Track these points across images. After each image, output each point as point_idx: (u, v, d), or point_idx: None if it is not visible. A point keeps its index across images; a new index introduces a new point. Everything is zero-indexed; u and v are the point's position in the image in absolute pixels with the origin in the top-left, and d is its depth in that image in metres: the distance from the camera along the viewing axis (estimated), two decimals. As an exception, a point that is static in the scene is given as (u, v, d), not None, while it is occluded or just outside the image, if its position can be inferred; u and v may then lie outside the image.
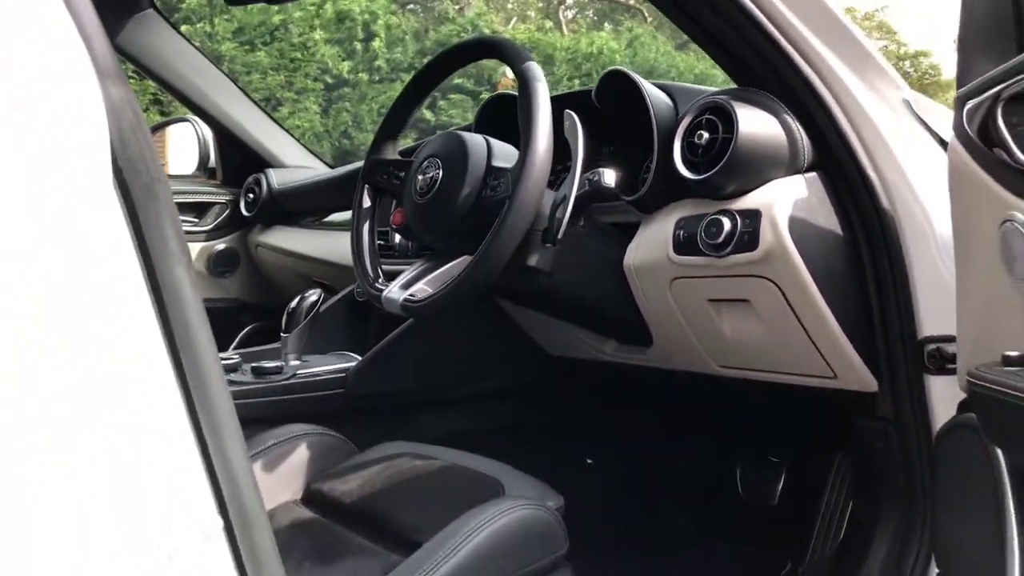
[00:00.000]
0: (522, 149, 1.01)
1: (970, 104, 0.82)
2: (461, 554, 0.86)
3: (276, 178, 2.02)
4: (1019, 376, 0.71)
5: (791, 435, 1.47)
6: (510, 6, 18.46)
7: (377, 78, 12.43)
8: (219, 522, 0.52)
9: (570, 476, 1.45)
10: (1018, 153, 0.74)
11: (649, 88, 1.16)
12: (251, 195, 2.07)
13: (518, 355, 1.54)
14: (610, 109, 1.25)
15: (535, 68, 1.05)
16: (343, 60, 12.18)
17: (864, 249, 1.10)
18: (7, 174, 0.43)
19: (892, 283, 1.08)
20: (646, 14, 15.79)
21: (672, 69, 12.08)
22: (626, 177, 1.24)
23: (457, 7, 15.77)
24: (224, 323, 2.09)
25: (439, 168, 1.11)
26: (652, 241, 1.18)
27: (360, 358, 1.48)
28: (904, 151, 1.07)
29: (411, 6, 15.23)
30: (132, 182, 0.50)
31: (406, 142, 1.47)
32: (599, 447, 1.59)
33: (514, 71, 1.06)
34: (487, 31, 13.94)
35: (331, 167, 2.16)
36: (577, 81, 12.97)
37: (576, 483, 1.44)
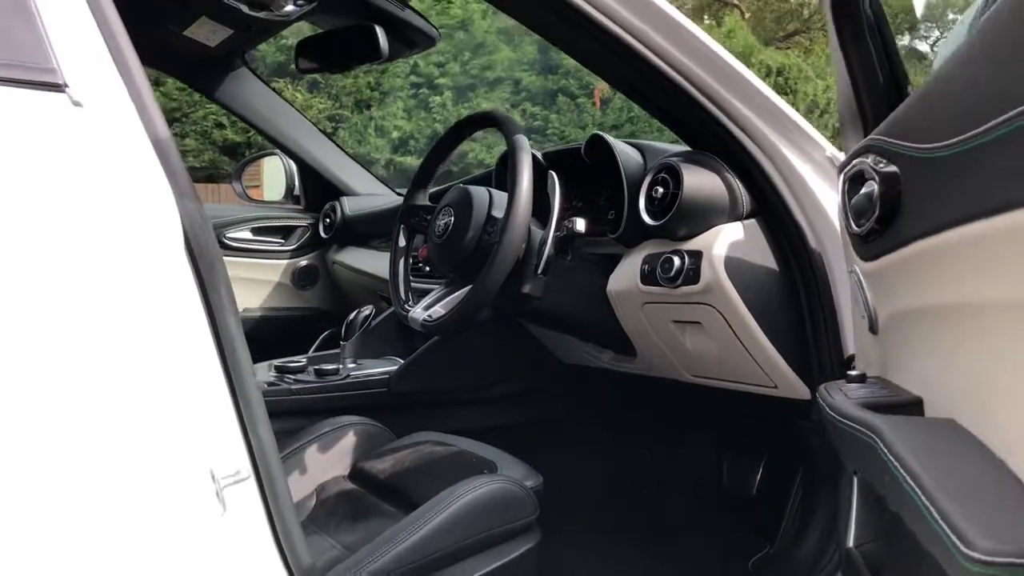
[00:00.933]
0: (507, 207, 1.29)
1: (841, 177, 1.05)
2: (445, 513, 1.15)
3: (348, 205, 2.36)
4: (838, 391, 0.94)
5: (766, 434, 1.70)
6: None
7: (471, 84, 12.87)
8: (251, 472, 0.83)
9: (574, 466, 1.72)
10: (852, 222, 0.97)
11: (622, 150, 1.42)
12: (328, 219, 2.41)
13: (535, 362, 1.81)
14: (598, 162, 1.51)
15: (523, 140, 1.32)
16: (438, 67, 12.66)
17: (799, 281, 1.32)
18: (131, 258, 0.74)
19: (822, 310, 1.31)
20: (743, 10, 15.73)
21: (759, 64, 12.17)
22: (616, 217, 1.51)
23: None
24: (306, 328, 2.44)
25: (451, 215, 1.40)
26: (626, 272, 1.44)
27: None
28: (827, 199, 1.30)
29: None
30: (200, 260, 0.82)
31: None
32: (602, 443, 1.84)
33: (507, 141, 1.34)
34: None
35: (399, 195, 2.47)
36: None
37: (579, 472, 1.71)
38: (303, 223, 2.46)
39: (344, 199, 2.38)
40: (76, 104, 0.70)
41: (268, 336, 2.40)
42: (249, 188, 2.70)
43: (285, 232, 2.46)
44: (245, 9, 1.65)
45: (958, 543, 0.46)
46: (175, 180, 0.81)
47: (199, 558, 0.77)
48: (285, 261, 2.44)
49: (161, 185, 0.78)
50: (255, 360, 1.91)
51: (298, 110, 2.37)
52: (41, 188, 0.66)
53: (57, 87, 0.69)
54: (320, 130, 2.41)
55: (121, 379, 0.72)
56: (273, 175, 2.61)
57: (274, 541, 0.85)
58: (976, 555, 0.45)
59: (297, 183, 2.49)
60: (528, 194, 1.28)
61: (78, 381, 0.68)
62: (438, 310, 1.40)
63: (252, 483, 0.84)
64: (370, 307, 1.77)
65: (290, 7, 1.63)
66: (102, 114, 0.73)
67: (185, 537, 0.75)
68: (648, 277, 1.37)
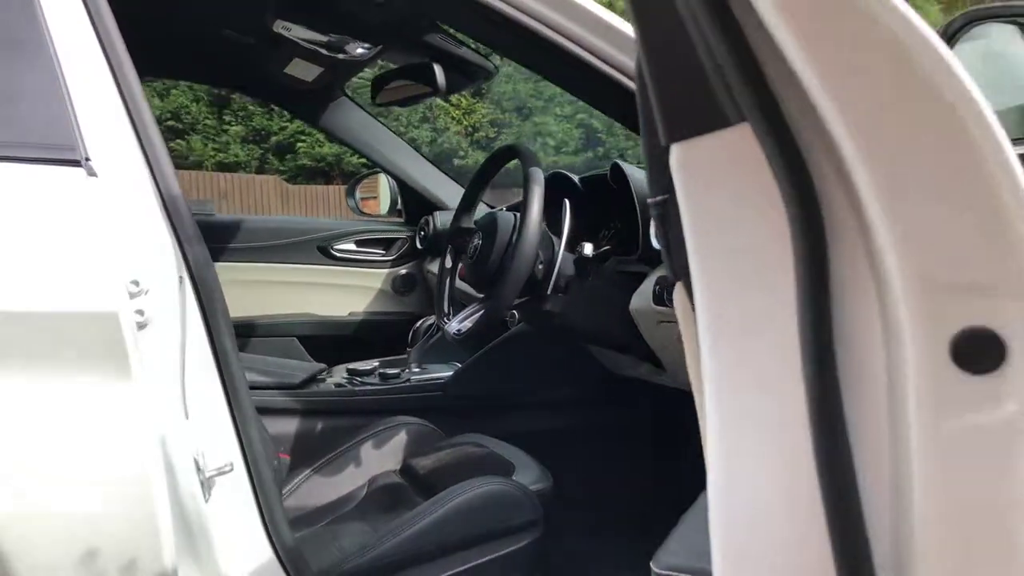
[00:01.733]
0: (518, 233, 1.42)
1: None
2: (448, 507, 1.30)
3: (440, 219, 2.54)
4: None
5: None
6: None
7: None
8: (241, 460, 1.02)
9: (613, 470, 1.81)
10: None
11: (635, 176, 1.51)
12: (423, 232, 2.62)
13: (583, 371, 1.91)
14: (622, 187, 1.61)
15: (537, 172, 1.45)
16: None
17: None
18: (128, 293, 0.94)
19: None
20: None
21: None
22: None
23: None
24: (404, 332, 2.65)
25: (481, 239, 1.55)
26: (644, 292, 1.52)
27: (461, 368, 1.95)
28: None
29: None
30: (202, 292, 1.01)
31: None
32: (642, 450, 1.92)
33: (523, 172, 1.46)
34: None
35: (490, 208, 2.64)
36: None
37: (621, 476, 1.80)
38: (402, 235, 2.68)
39: (437, 213, 2.57)
40: (91, 175, 0.91)
41: (371, 338, 2.64)
42: (367, 200, 2.96)
43: (386, 244, 2.68)
44: (324, 52, 1.86)
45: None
46: (183, 229, 1.00)
47: (189, 531, 0.96)
48: (386, 270, 2.66)
49: (164, 235, 0.98)
50: (354, 359, 2.13)
51: (395, 133, 2.59)
52: (51, 246, 0.86)
53: (76, 163, 0.90)
54: (416, 151, 2.62)
55: (123, 391, 0.92)
56: (384, 190, 2.86)
57: (261, 522, 1.04)
58: (652, 565, 0.54)
59: (399, 199, 2.71)
60: (536, 221, 1.40)
61: (82, 398, 0.88)
62: (467, 324, 1.55)
63: (241, 473, 1.02)
64: (433, 317, 1.93)
65: (361, 50, 1.83)
66: (115, 181, 0.93)
67: (175, 514, 0.95)
68: (658, 297, 1.45)
